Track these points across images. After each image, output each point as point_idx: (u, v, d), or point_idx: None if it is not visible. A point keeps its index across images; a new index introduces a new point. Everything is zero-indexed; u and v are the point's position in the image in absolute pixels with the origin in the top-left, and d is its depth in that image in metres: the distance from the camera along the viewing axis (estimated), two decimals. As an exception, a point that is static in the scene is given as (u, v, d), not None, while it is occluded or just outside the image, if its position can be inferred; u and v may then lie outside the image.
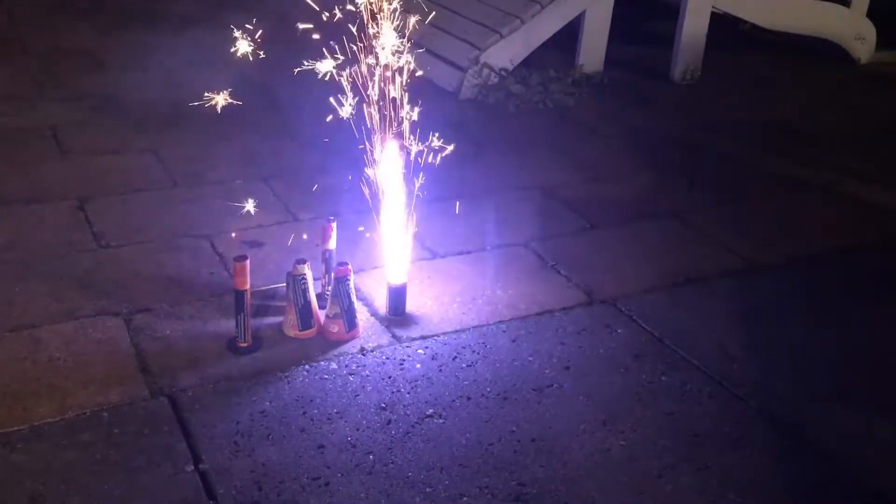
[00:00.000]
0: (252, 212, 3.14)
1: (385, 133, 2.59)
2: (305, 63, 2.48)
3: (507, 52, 4.86)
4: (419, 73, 2.62)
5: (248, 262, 2.41)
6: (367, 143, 2.62)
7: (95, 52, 5.09)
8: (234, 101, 2.63)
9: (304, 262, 2.54)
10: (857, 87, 5.58)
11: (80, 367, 2.36)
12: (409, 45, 2.53)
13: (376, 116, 2.58)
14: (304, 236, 3.08)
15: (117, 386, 2.29)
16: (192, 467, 2.04)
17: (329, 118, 2.55)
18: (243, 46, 2.50)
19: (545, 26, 4.94)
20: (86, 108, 4.24)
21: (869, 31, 5.93)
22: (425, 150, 2.64)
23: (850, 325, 2.86)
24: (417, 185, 2.67)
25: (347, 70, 2.52)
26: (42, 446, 2.08)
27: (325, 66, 2.48)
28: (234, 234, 3.10)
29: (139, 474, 2.01)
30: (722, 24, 5.51)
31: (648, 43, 5.76)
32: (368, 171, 2.66)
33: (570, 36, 5.14)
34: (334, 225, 2.69)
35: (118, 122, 4.10)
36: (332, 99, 2.52)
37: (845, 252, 3.35)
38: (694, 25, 5.28)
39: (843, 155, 4.34)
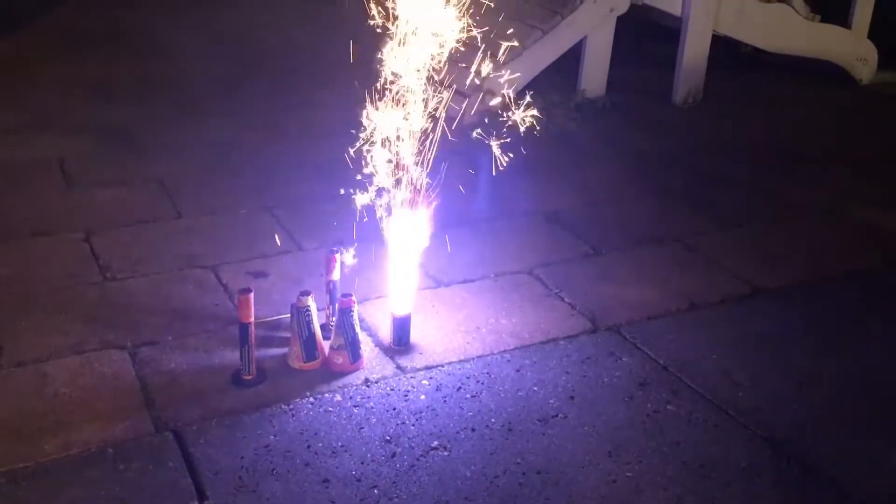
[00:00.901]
0: (256, 241, 3.17)
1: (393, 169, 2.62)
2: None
3: (508, 78, 4.88)
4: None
5: (251, 294, 2.42)
6: (373, 169, 2.64)
7: (103, 83, 5.14)
8: (240, 133, 2.66)
9: (307, 293, 2.54)
10: (859, 109, 5.59)
11: (86, 401, 2.37)
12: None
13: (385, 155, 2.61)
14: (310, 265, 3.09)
15: (122, 421, 2.30)
16: (197, 503, 2.04)
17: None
18: None
19: (547, 52, 4.97)
20: (93, 140, 4.27)
21: (870, 52, 5.95)
22: (426, 181, 2.66)
23: (857, 350, 2.85)
24: (421, 212, 2.69)
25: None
26: (47, 483, 2.08)
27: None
28: (238, 265, 3.12)
29: (144, 511, 2.01)
30: (723, 45, 5.53)
31: (651, 66, 5.77)
32: (372, 200, 2.67)
33: (573, 59, 5.17)
34: (338, 256, 2.70)
35: (125, 153, 4.13)
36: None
37: (850, 276, 3.34)
38: (695, 49, 5.30)
39: (846, 177, 4.35)
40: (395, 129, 2.58)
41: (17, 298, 2.85)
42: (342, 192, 2.69)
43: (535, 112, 4.81)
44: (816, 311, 3.08)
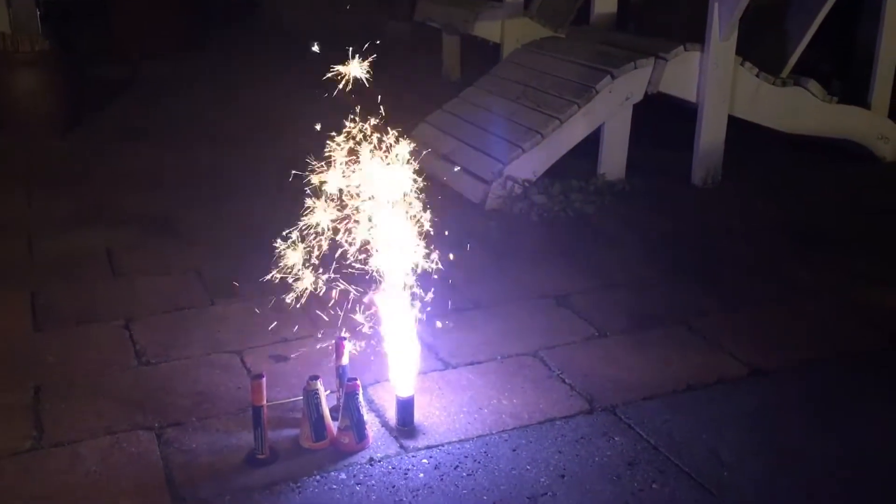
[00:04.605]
0: (280, 328, 3.41)
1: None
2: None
3: (529, 165, 5.14)
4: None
5: (263, 380, 2.65)
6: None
7: (150, 172, 5.56)
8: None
9: (316, 378, 2.77)
10: (879, 187, 5.66)
11: (114, 479, 2.60)
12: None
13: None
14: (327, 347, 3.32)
15: (145, 497, 2.53)
16: (206, 574, 2.24)
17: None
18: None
19: (565, 139, 5.22)
20: (138, 230, 4.64)
21: (891, 130, 6.06)
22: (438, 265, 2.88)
23: (849, 431, 2.92)
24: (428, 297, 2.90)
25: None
26: (74, 554, 2.31)
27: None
28: (262, 349, 3.36)
29: (158, 581, 2.22)
30: (742, 124, 5.69)
31: (670, 147, 5.97)
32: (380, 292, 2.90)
33: (593, 143, 5.40)
34: (346, 343, 2.93)
35: (168, 243, 4.48)
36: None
37: (851, 356, 3.42)
38: (712, 132, 5.49)
39: (859, 257, 4.42)
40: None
41: (59, 383, 3.14)
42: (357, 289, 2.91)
43: (554, 197, 5.08)
44: (812, 391, 3.18)
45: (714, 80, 5.38)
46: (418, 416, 2.94)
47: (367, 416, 2.85)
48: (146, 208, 4.99)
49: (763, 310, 3.85)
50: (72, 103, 6.58)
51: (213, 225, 4.73)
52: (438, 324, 3.30)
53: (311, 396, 2.75)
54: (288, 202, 2.95)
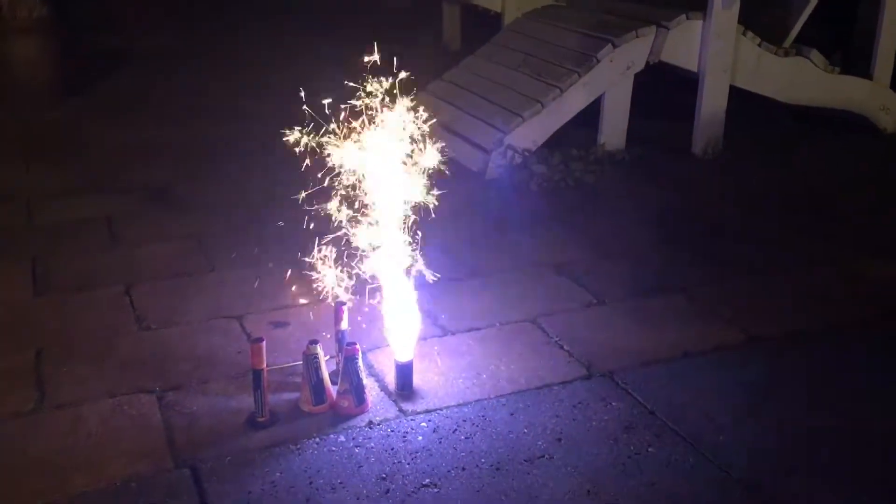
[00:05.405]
0: (279, 294, 3.43)
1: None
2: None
3: (529, 134, 5.13)
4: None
5: (263, 343, 2.67)
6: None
7: (151, 144, 5.55)
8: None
9: (316, 342, 2.78)
10: (881, 158, 5.65)
11: (115, 441, 2.63)
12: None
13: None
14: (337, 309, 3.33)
15: (146, 458, 2.55)
16: (207, 533, 2.27)
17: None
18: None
19: (566, 109, 5.20)
20: (138, 200, 4.63)
21: (893, 101, 6.04)
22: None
23: (845, 401, 2.94)
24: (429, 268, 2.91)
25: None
26: (77, 513, 2.34)
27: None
28: (261, 315, 3.38)
29: (159, 539, 2.25)
30: (743, 94, 5.67)
31: (670, 117, 5.95)
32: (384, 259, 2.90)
33: (594, 113, 5.38)
34: (345, 308, 2.94)
35: (167, 211, 4.48)
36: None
37: (848, 327, 3.43)
38: (713, 102, 5.48)
39: (859, 229, 4.42)
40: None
41: (61, 348, 3.15)
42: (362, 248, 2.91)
43: (554, 166, 5.07)
44: (809, 360, 3.19)
45: (716, 49, 5.35)
46: (417, 381, 2.96)
47: (367, 381, 2.87)
48: (145, 178, 4.98)
49: (762, 279, 3.86)
50: (69, 72, 6.55)
51: (213, 194, 4.73)
52: (437, 287, 3.30)
53: (311, 360, 2.77)
54: (287, 171, 2.95)
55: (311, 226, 2.89)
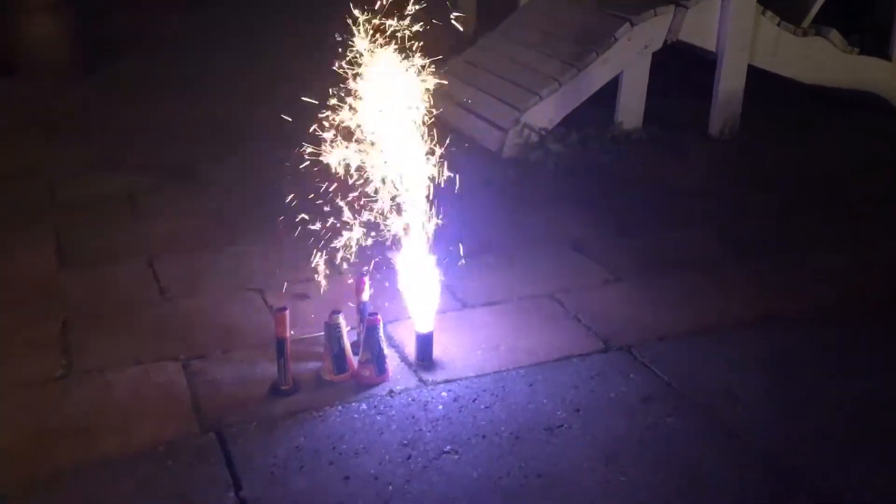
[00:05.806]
0: (301, 267, 3.47)
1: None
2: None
3: (546, 113, 5.14)
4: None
5: (287, 312, 2.72)
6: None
7: (170, 122, 5.59)
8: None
9: (338, 312, 2.83)
10: (898, 138, 5.64)
11: (142, 406, 2.69)
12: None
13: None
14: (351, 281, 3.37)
15: (173, 423, 2.61)
16: (234, 494, 2.32)
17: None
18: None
19: (583, 87, 5.20)
20: (160, 176, 4.68)
21: (912, 82, 6.02)
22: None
23: (863, 377, 2.96)
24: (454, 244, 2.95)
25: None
26: (106, 475, 2.39)
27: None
28: (283, 287, 3.42)
29: (188, 500, 2.30)
30: (761, 75, 5.65)
31: (688, 96, 5.93)
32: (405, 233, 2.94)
33: (612, 92, 5.38)
34: (367, 279, 2.98)
35: (188, 187, 4.52)
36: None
37: (865, 307, 3.43)
38: (731, 82, 5.47)
39: (876, 211, 4.41)
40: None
41: (87, 316, 3.21)
42: (377, 219, 2.95)
43: (571, 145, 5.08)
44: (824, 337, 3.20)
45: (734, 28, 5.34)
46: (436, 353, 3.00)
47: (387, 352, 2.92)
48: (165, 155, 5.02)
49: (778, 258, 3.87)
50: (87, 50, 6.59)
51: (233, 171, 4.76)
52: (455, 261, 3.34)
53: (333, 330, 2.81)
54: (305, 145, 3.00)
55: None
